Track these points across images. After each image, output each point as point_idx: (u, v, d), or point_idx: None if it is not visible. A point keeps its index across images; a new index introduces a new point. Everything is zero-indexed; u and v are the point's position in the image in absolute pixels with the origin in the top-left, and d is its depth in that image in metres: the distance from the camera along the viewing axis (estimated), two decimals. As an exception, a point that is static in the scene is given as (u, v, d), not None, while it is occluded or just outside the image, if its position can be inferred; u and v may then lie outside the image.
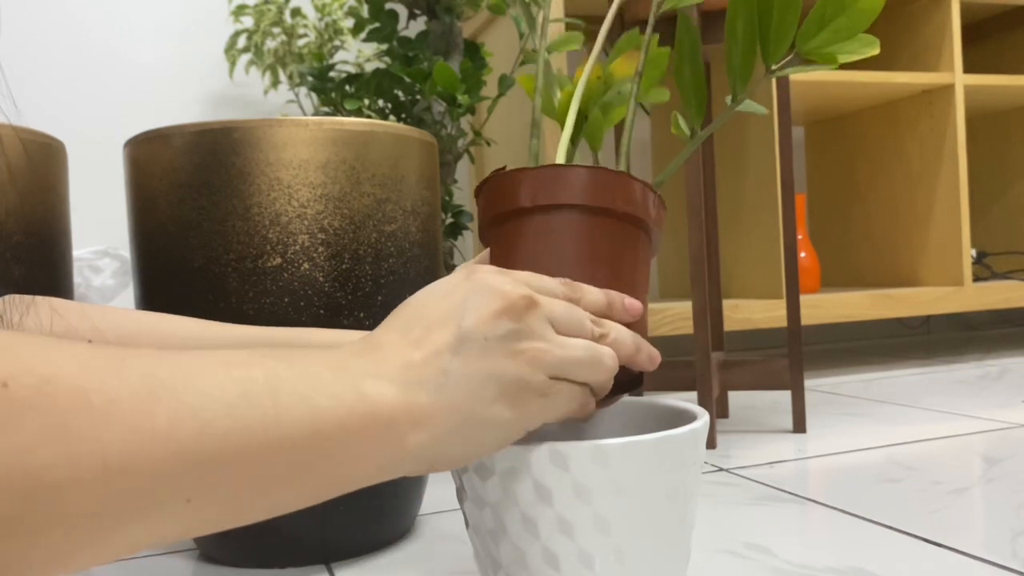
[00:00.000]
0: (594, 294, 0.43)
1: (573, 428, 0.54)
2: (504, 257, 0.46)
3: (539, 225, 0.45)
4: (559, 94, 0.57)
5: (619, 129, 1.17)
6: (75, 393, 0.27)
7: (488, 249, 0.48)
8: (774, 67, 0.49)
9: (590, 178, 0.44)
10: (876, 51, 0.48)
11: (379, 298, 0.67)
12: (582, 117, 0.53)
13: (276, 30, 1.30)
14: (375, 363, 0.36)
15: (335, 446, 0.33)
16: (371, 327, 0.66)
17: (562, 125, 0.54)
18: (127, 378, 0.28)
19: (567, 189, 0.44)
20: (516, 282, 0.40)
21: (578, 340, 0.40)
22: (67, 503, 0.27)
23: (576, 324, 0.41)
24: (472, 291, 0.39)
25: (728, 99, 0.51)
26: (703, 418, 0.46)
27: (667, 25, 1.09)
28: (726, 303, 1.39)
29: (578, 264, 0.44)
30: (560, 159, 0.50)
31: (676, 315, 1.36)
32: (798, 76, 1.50)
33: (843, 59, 0.48)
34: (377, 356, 0.36)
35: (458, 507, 0.81)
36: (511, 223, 0.46)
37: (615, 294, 0.44)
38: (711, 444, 0.99)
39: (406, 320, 0.39)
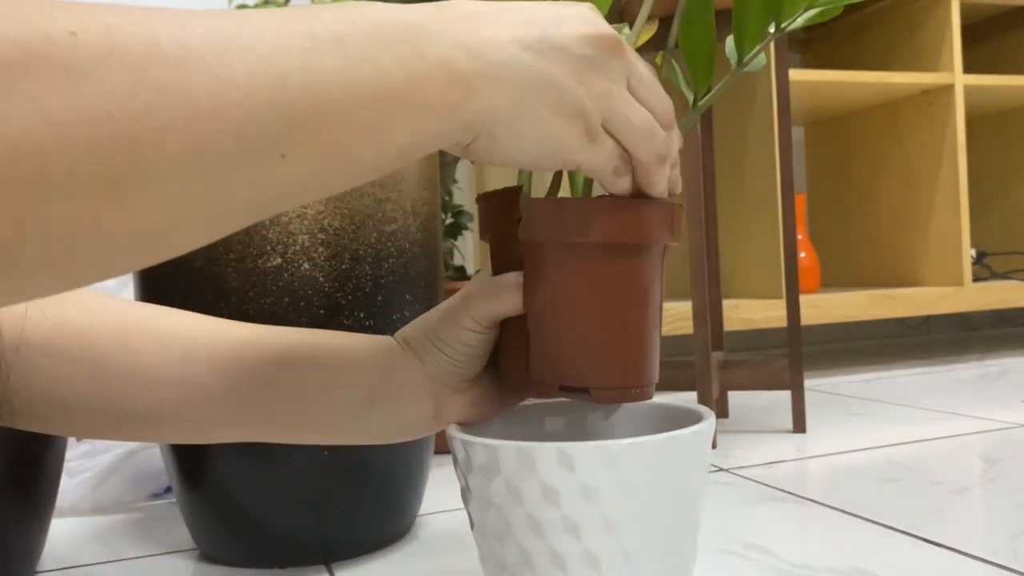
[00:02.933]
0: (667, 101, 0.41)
1: (579, 429, 0.53)
2: (545, 290, 0.42)
3: (592, 266, 0.41)
4: None
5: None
6: (147, 41, 0.26)
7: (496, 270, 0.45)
8: (784, 24, 0.46)
9: (651, 216, 0.41)
10: None
11: (379, 298, 0.66)
12: None
13: (276, 30, 1.29)
14: (447, 25, 0.34)
15: (401, 105, 0.33)
16: (371, 327, 0.66)
17: None
18: (194, 30, 0.28)
19: (633, 227, 0.41)
20: (608, 27, 0.38)
21: (643, 108, 0.39)
22: (171, 150, 0.27)
23: (651, 95, 0.39)
24: (571, 10, 0.37)
25: (731, 57, 0.48)
26: (709, 418, 0.46)
27: (669, 24, 1.08)
28: (726, 303, 1.39)
29: (633, 306, 0.42)
30: None
31: (676, 315, 1.36)
32: (798, 76, 1.49)
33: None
34: (452, 17, 0.35)
35: (458, 507, 0.81)
36: (559, 254, 0.41)
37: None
38: (711, 444, 0.99)
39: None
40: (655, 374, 0.44)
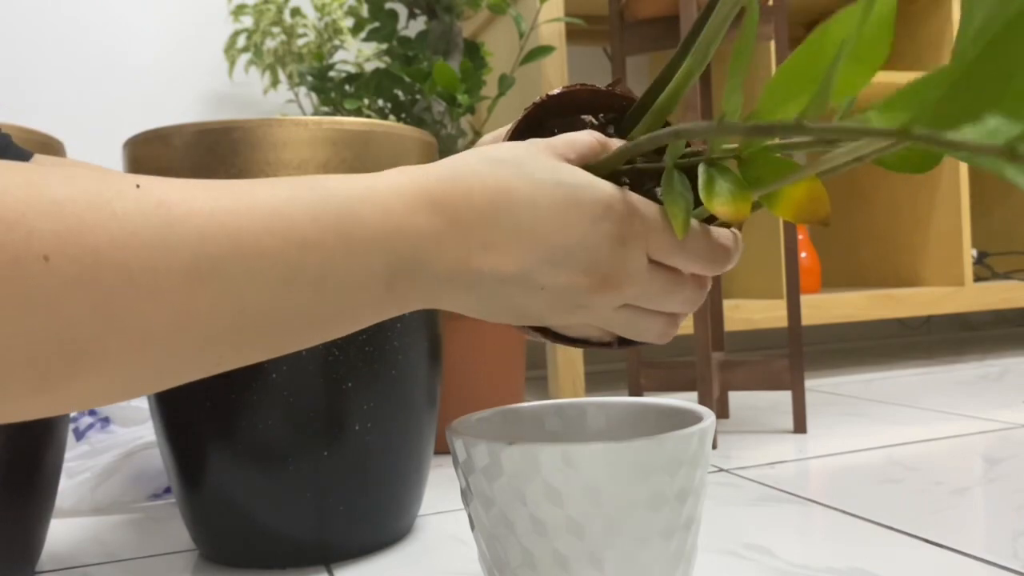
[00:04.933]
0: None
1: (578, 429, 0.53)
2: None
3: None
4: None
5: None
6: (121, 271, 0.27)
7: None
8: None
9: None
10: None
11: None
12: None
13: (276, 30, 1.30)
14: (447, 246, 0.34)
15: (351, 322, 0.34)
16: (371, 326, 0.65)
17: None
18: (176, 254, 0.28)
19: None
20: (627, 264, 0.37)
21: (629, 317, 0.39)
22: (107, 367, 0.28)
23: (657, 303, 0.39)
24: (582, 243, 0.35)
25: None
26: (709, 418, 0.46)
27: (669, 24, 1.08)
28: (726, 303, 1.38)
29: None
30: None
31: (676, 315, 1.36)
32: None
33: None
34: (459, 237, 0.34)
35: (458, 508, 0.81)
36: None
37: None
38: (712, 444, 0.99)
39: (500, 216, 0.35)
40: None
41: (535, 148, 0.37)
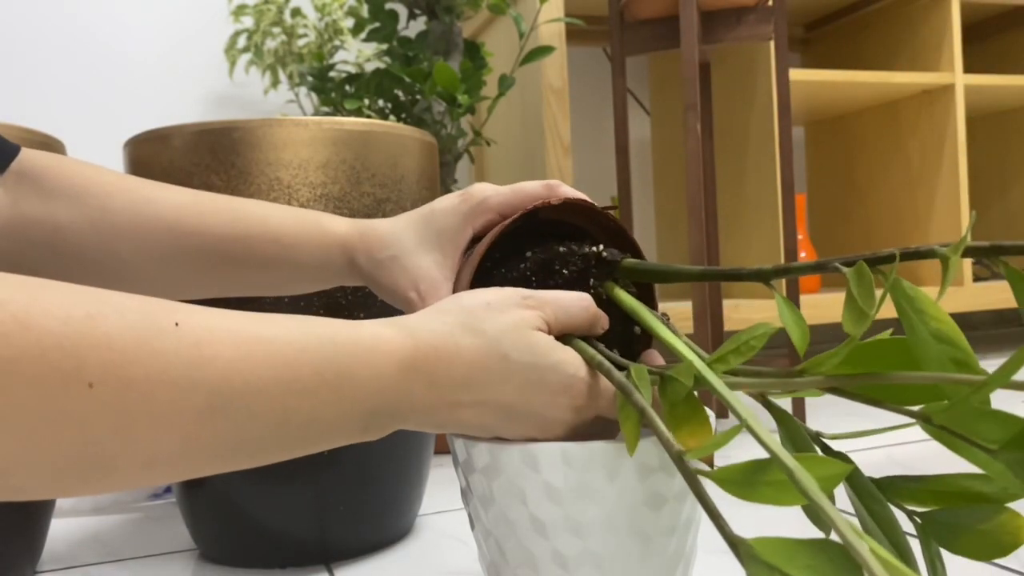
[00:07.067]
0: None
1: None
2: None
3: None
4: None
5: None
6: (146, 403, 0.30)
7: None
8: None
9: None
10: None
11: (379, 299, 0.66)
12: None
13: (276, 30, 1.30)
14: (409, 405, 0.39)
15: (331, 447, 0.39)
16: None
17: None
18: (195, 393, 0.31)
19: None
20: (575, 422, 0.42)
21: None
22: (114, 478, 0.31)
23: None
24: (540, 411, 0.41)
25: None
26: (709, 418, 0.46)
27: (669, 24, 1.09)
28: (726, 303, 1.39)
29: None
30: None
31: (677, 315, 1.36)
32: (798, 76, 1.49)
33: None
34: (416, 398, 0.39)
35: (458, 507, 0.81)
36: None
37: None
38: (711, 444, 0.99)
39: (473, 386, 0.40)
40: None
41: (517, 322, 0.41)
